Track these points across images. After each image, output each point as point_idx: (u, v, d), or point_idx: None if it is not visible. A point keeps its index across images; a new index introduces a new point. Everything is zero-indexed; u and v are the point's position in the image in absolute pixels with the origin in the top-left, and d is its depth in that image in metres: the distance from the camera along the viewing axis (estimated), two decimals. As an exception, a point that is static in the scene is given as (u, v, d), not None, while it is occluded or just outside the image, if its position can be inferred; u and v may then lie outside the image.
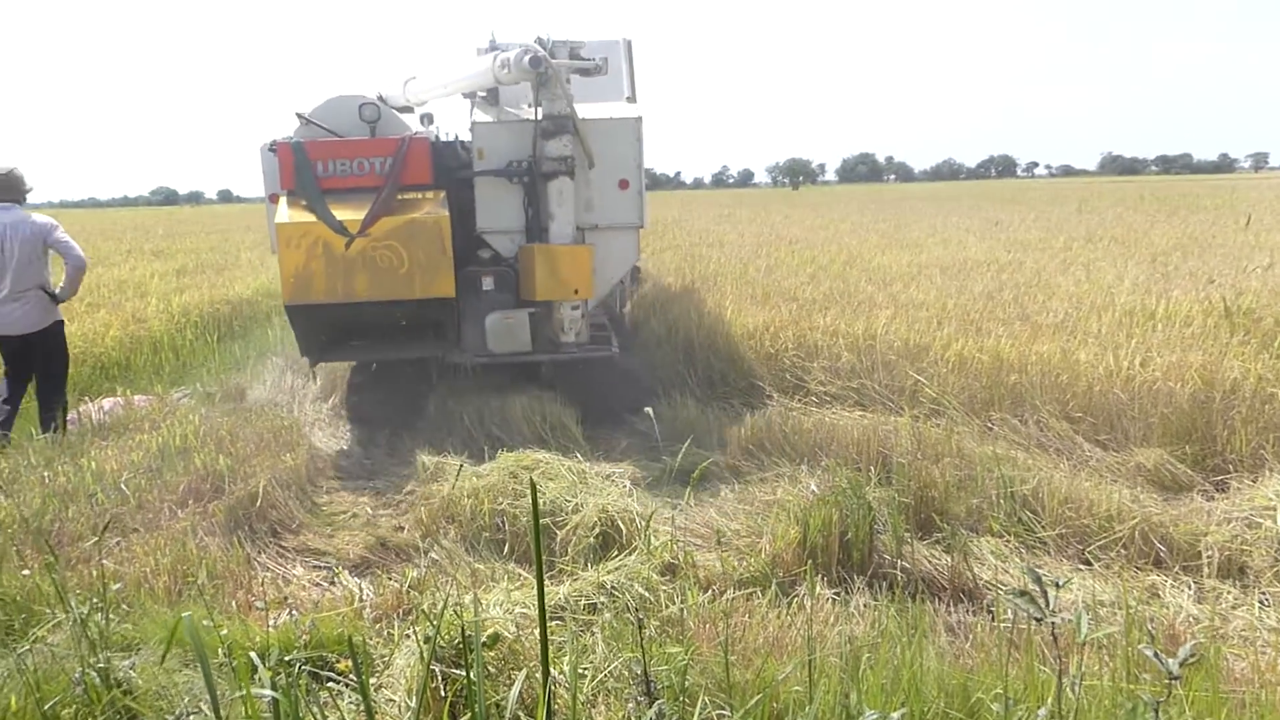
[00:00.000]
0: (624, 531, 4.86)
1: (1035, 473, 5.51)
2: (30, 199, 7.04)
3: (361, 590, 4.64)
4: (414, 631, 3.50)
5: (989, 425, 6.56)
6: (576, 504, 5.16)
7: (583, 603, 4.06)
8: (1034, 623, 2.20)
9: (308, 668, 3.37)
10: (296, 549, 5.30)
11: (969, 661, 3.55)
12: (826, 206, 40.35)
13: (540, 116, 6.79)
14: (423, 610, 3.86)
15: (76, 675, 3.01)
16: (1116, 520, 4.93)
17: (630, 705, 3.09)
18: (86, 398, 7.96)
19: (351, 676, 3.41)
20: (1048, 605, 2.22)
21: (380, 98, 7.67)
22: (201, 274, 16.59)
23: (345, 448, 7.25)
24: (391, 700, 3.27)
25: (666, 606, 4.00)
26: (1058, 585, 2.31)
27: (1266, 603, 4.28)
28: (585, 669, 3.32)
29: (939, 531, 4.94)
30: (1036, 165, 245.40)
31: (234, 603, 4.26)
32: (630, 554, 4.58)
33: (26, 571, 4.05)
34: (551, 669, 2.92)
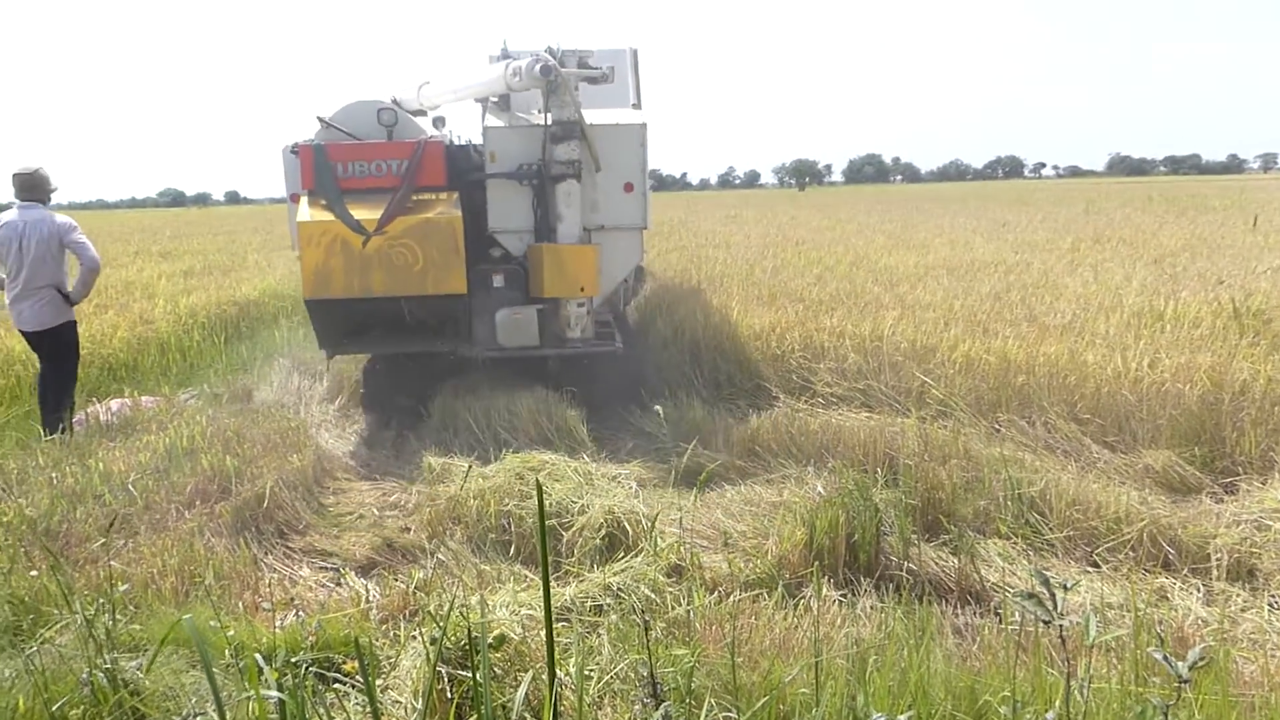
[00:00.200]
0: (630, 533, 4.85)
1: (1043, 474, 5.49)
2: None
3: (368, 591, 4.65)
4: (420, 633, 3.50)
5: (996, 427, 6.54)
6: (583, 505, 5.16)
7: (589, 604, 4.06)
8: (1042, 625, 2.19)
9: (314, 669, 3.37)
10: (303, 550, 5.31)
11: (976, 664, 3.54)
12: (833, 207, 40.34)
13: (550, 122, 7.04)
14: (429, 612, 3.86)
15: (84, 676, 3.01)
16: (1125, 522, 4.91)
17: (636, 707, 3.08)
18: (94, 399, 7.98)
19: (358, 678, 3.42)
20: (1055, 608, 2.21)
21: (395, 101, 8.01)
22: (209, 275, 16.63)
23: (352, 449, 7.25)
24: (398, 701, 3.27)
25: (673, 608, 3.99)
26: (1065, 588, 2.30)
27: (1276, 605, 4.26)
28: (591, 670, 3.32)
29: (946, 533, 4.93)
30: (1044, 166, 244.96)
31: (241, 604, 4.27)
32: (636, 555, 4.58)
33: (35, 572, 4.06)
34: (558, 670, 2.91)
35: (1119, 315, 8.36)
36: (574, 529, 4.96)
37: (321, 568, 5.11)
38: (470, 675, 3.07)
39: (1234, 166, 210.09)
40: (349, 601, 4.44)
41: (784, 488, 5.85)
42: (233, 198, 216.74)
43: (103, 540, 4.47)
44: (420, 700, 3.09)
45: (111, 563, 4.33)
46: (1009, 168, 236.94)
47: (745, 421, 6.91)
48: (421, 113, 8.30)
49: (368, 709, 3.15)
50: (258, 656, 2.64)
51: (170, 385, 9.04)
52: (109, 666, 3.04)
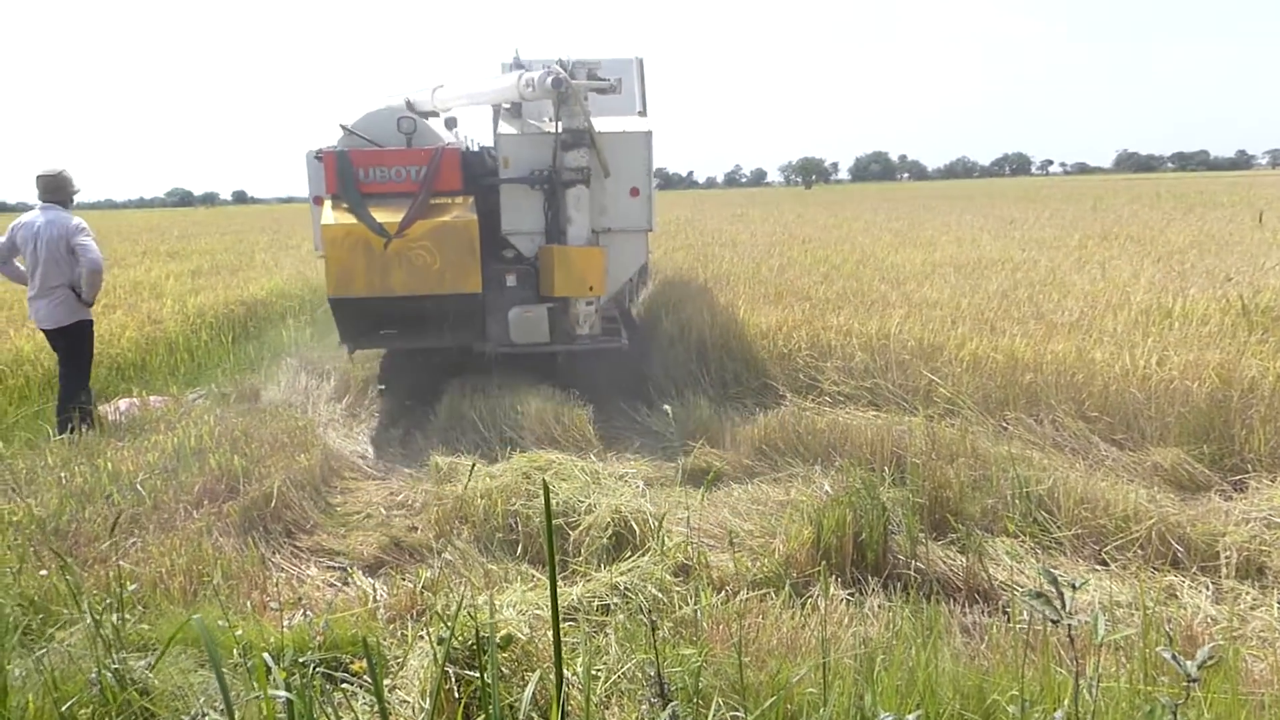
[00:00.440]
0: (637, 532, 4.85)
1: (1051, 473, 5.48)
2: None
3: (375, 591, 4.66)
4: (427, 633, 3.51)
5: (1004, 425, 6.53)
6: (590, 504, 5.16)
7: (596, 604, 4.05)
8: (1050, 624, 2.18)
9: (322, 669, 3.37)
10: (311, 549, 5.32)
11: (984, 663, 3.53)
12: (840, 205, 40.28)
13: (560, 130, 7.42)
14: (436, 611, 3.87)
15: (93, 675, 3.02)
16: (1133, 520, 4.90)
17: (644, 707, 3.08)
18: (103, 398, 8.00)
19: (365, 677, 3.42)
20: (1064, 606, 2.20)
21: (408, 103, 8.43)
22: (216, 275, 16.65)
23: (359, 448, 7.27)
24: (406, 701, 3.27)
25: (680, 607, 3.99)
26: (1074, 586, 2.29)
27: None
28: (599, 670, 3.32)
29: (954, 532, 4.92)
30: (1051, 163, 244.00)
31: (249, 603, 4.27)
32: (643, 555, 4.58)
33: (44, 572, 4.07)
34: (565, 670, 2.92)
35: (1127, 312, 8.34)
36: (581, 528, 4.97)
37: (329, 567, 5.12)
38: (478, 675, 3.07)
39: (1242, 163, 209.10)
40: (357, 601, 4.45)
41: (791, 486, 5.85)
42: (240, 197, 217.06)
43: (111, 539, 4.48)
44: (428, 700, 3.10)
45: (120, 562, 4.34)
46: (1016, 165, 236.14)
47: (752, 420, 6.91)
48: (434, 113, 8.58)
49: (375, 709, 3.15)
50: (266, 656, 2.64)
51: (178, 385, 9.07)
52: (118, 666, 3.04)
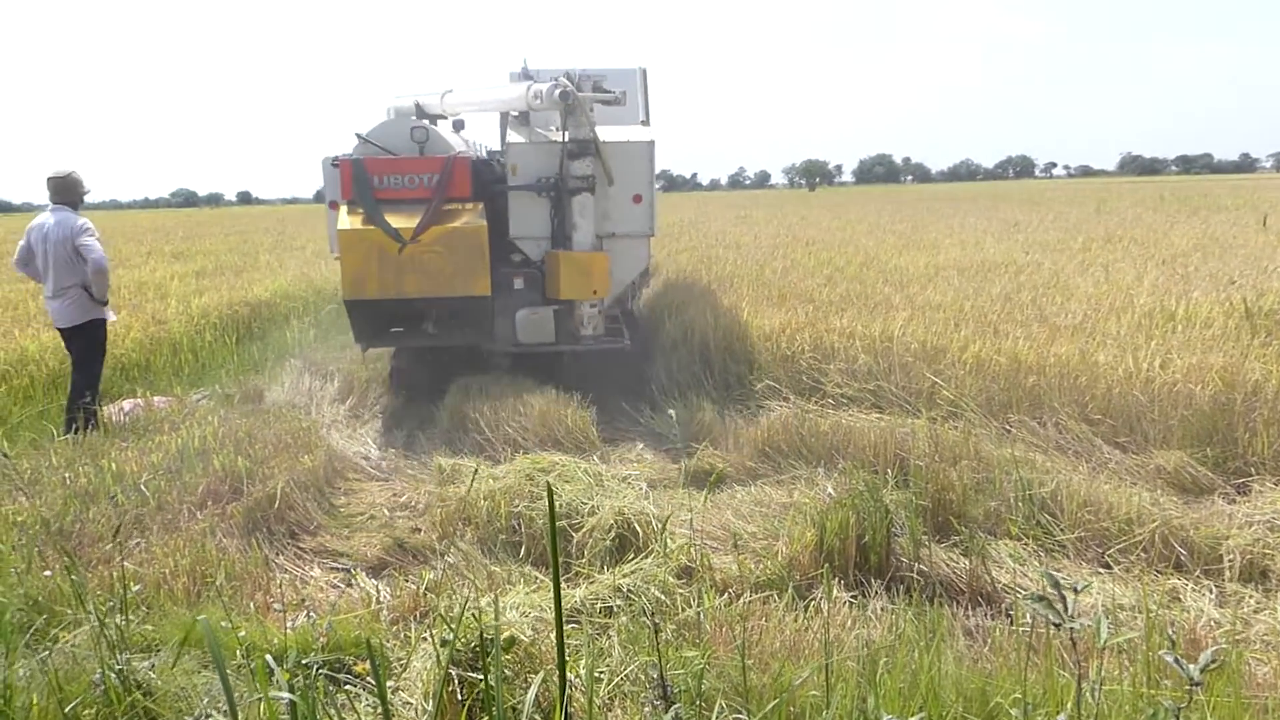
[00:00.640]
0: (640, 534, 4.86)
1: (1054, 475, 5.48)
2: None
3: (379, 592, 4.66)
4: (431, 634, 3.51)
5: (1007, 427, 6.53)
6: (593, 506, 5.16)
7: (599, 605, 4.06)
8: (1053, 627, 2.18)
9: (325, 670, 3.38)
10: (314, 550, 5.33)
11: (987, 666, 3.53)
12: (843, 207, 40.27)
13: (567, 139, 7.69)
14: (440, 613, 3.87)
15: (97, 676, 3.03)
16: (1136, 523, 4.90)
17: (647, 709, 3.08)
18: (107, 398, 8.02)
19: (369, 679, 3.43)
20: (1066, 610, 2.21)
21: (418, 105, 8.72)
22: (220, 276, 16.68)
23: (363, 449, 7.28)
24: (409, 703, 3.27)
25: (683, 609, 4.00)
26: (1076, 590, 2.29)
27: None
28: (602, 672, 3.32)
29: (957, 534, 4.92)
30: (1055, 166, 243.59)
31: (252, 604, 4.28)
32: (646, 557, 4.58)
33: (48, 572, 4.08)
34: (568, 672, 2.92)
35: (1130, 315, 8.33)
36: (584, 530, 4.97)
37: (333, 568, 5.13)
38: (481, 677, 3.08)
39: (1246, 165, 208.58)
40: (360, 602, 4.46)
41: (794, 489, 5.85)
42: (245, 198, 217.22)
43: (115, 540, 4.50)
44: (431, 702, 3.10)
45: (124, 563, 4.35)
46: (1020, 167, 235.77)
47: (755, 422, 6.91)
48: (442, 117, 8.83)
49: (379, 710, 3.16)
50: (268, 657, 2.65)
51: (182, 386, 9.08)
52: (122, 667, 3.05)
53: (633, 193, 8.04)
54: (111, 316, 7.68)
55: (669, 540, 4.70)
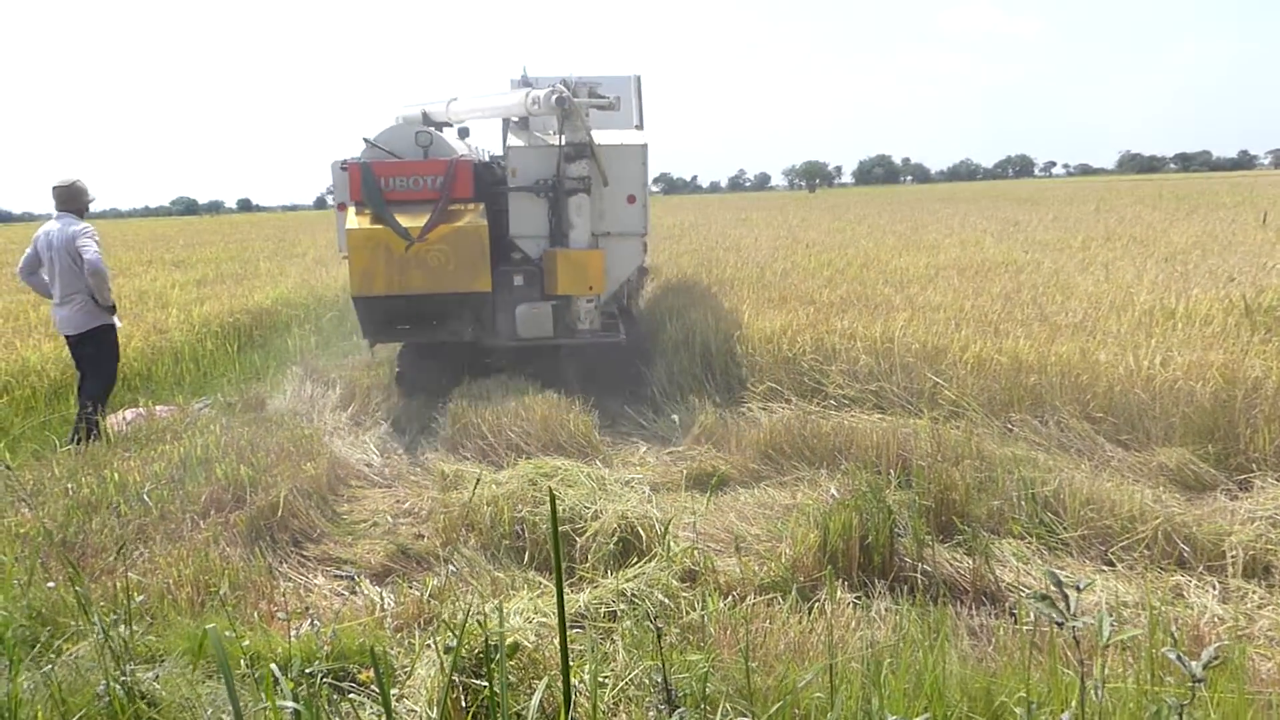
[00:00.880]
0: (644, 538, 4.86)
1: (1056, 474, 5.48)
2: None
3: (382, 599, 4.66)
4: (435, 641, 3.51)
5: (1009, 426, 6.53)
6: (596, 511, 5.16)
7: (603, 610, 4.06)
8: (1056, 626, 2.19)
9: (329, 679, 3.38)
10: (318, 558, 5.32)
11: (992, 665, 3.53)
12: (843, 209, 40.28)
13: (564, 143, 8.04)
14: (444, 620, 3.87)
15: (101, 688, 3.03)
16: (1139, 521, 4.90)
17: (651, 714, 3.08)
18: (109, 408, 8.02)
19: (373, 687, 3.43)
20: (1069, 608, 2.21)
21: (425, 114, 9.08)
22: (221, 284, 16.68)
23: (365, 456, 7.28)
24: (413, 711, 3.27)
25: (687, 613, 4.00)
26: (1079, 588, 2.30)
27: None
28: (606, 677, 3.32)
29: (960, 534, 4.92)
30: (1054, 165, 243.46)
31: (256, 613, 4.28)
32: (650, 560, 4.58)
33: (51, 584, 4.08)
34: (572, 678, 2.92)
35: (1130, 313, 8.34)
36: (587, 535, 4.97)
37: (336, 576, 5.12)
38: (485, 684, 3.08)
39: (1245, 162, 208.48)
40: (364, 610, 4.46)
41: (797, 490, 5.85)
42: (245, 205, 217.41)
43: (118, 550, 4.50)
44: (435, 709, 3.11)
45: (128, 574, 4.35)
46: (1019, 167, 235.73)
47: (758, 424, 6.91)
48: (448, 124, 9.19)
49: (383, 718, 3.16)
50: (273, 666, 2.65)
51: (184, 394, 9.09)
52: (126, 678, 3.05)
53: (627, 193, 8.37)
54: (118, 323, 7.71)
55: (672, 544, 4.70)
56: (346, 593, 4.87)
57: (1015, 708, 2.86)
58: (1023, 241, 16.83)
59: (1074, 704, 2.54)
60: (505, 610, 3.68)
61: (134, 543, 4.86)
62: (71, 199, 7.35)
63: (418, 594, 4.48)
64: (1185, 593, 4.39)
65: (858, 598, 4.36)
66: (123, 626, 3.35)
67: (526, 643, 3.34)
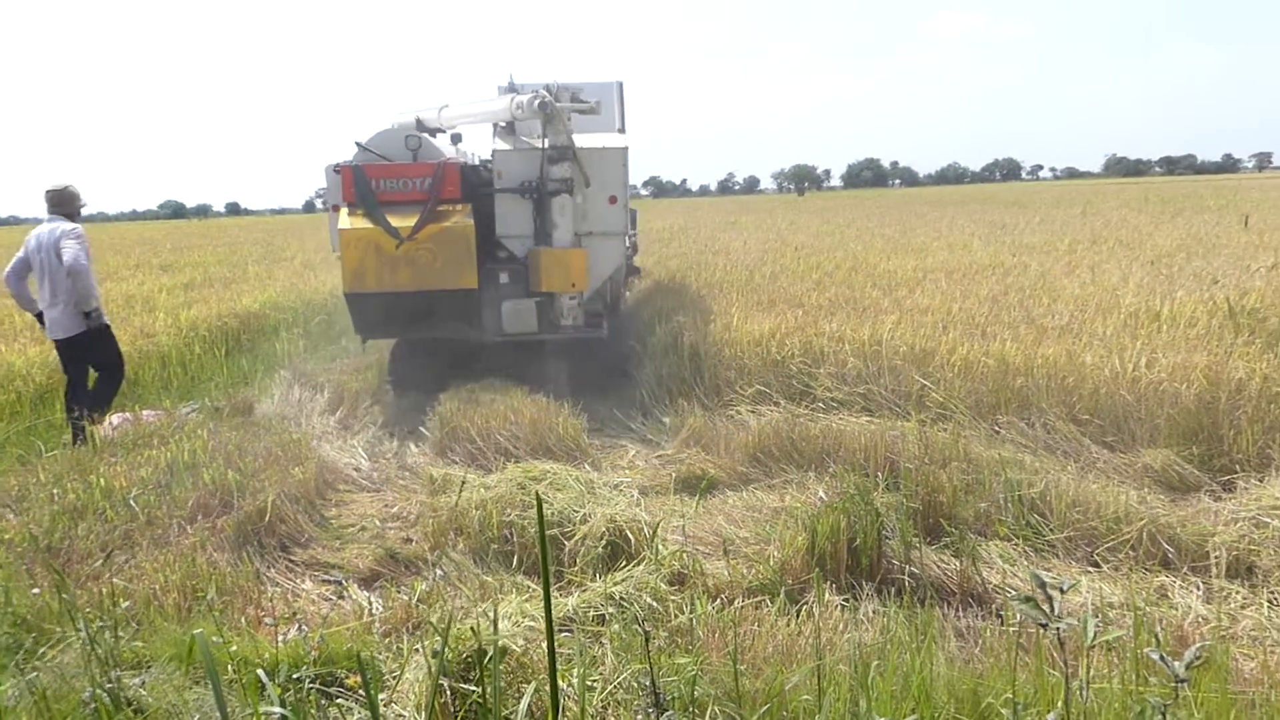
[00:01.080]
0: (632, 541, 4.87)
1: (1043, 475, 5.51)
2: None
3: (370, 604, 4.65)
4: (423, 646, 3.51)
5: (996, 429, 6.56)
6: (584, 514, 5.17)
7: (591, 614, 4.06)
8: (1041, 627, 2.20)
9: (317, 684, 3.37)
10: (306, 563, 5.31)
11: (979, 666, 3.55)
12: (832, 212, 40.35)
13: (547, 146, 8.28)
14: (432, 624, 3.87)
15: (87, 694, 3.02)
16: (1124, 522, 4.92)
17: (640, 717, 3.09)
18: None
19: (361, 692, 3.42)
20: (1053, 610, 2.22)
21: (418, 120, 9.31)
22: (209, 288, 16.62)
23: (354, 460, 7.26)
24: (401, 715, 3.27)
25: (675, 616, 4.00)
26: (1062, 590, 2.31)
27: (1275, 602, 4.28)
28: (594, 681, 3.32)
29: (947, 536, 4.94)
30: (1041, 168, 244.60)
31: (243, 618, 4.27)
32: (638, 564, 4.59)
33: (36, 590, 4.06)
34: (560, 681, 2.92)
35: (1116, 316, 8.38)
36: (576, 538, 4.97)
37: (324, 581, 5.11)
38: (473, 688, 3.08)
39: (1229, 166, 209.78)
40: (352, 615, 4.45)
41: (785, 493, 5.86)
42: (233, 209, 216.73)
43: (105, 556, 4.48)
44: (423, 714, 3.10)
45: (113, 579, 4.34)
46: (1006, 170, 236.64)
47: (746, 427, 6.92)
48: (440, 130, 9.39)
49: (371, 722, 3.15)
50: (260, 672, 2.65)
51: (171, 399, 9.05)
52: (112, 684, 3.04)
53: (608, 195, 8.66)
54: (105, 322, 7.71)
55: (661, 547, 4.71)
56: (334, 597, 4.86)
57: (1002, 709, 2.88)
58: (1010, 244, 16.89)
59: (1060, 704, 2.55)
60: (494, 614, 3.68)
61: (120, 548, 4.84)
62: (63, 203, 7.45)
63: (406, 598, 4.47)
64: (1170, 593, 4.42)
65: (845, 600, 4.37)
66: (109, 632, 3.34)
67: (515, 646, 3.34)
